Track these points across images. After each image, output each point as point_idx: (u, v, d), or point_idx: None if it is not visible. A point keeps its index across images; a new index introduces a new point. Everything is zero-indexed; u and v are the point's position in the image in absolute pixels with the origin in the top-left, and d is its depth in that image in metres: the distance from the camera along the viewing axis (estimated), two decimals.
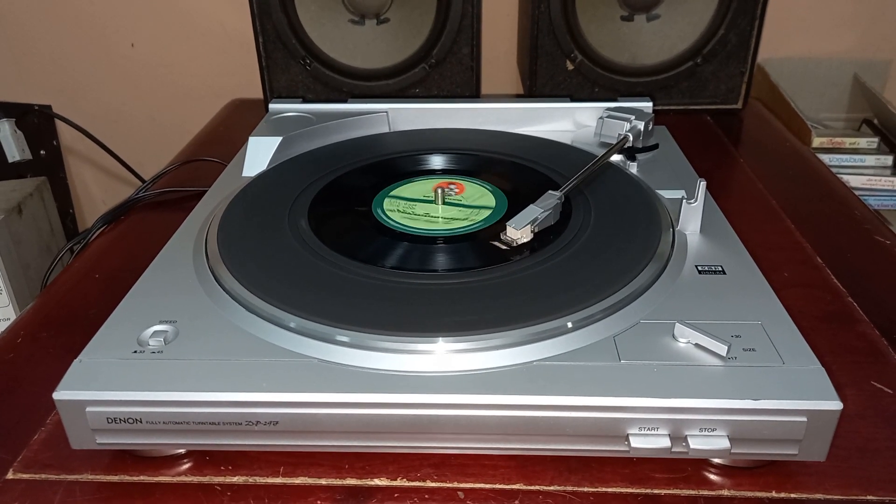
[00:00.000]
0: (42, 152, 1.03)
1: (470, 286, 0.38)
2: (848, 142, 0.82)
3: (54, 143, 1.04)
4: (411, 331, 0.34)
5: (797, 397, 0.31)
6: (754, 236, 0.54)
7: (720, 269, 0.40)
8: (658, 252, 0.40)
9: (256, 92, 0.79)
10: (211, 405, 0.32)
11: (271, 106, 0.61)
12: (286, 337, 0.35)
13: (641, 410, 0.31)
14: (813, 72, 0.97)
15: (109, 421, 0.32)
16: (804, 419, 0.30)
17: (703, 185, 0.43)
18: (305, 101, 0.62)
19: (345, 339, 0.34)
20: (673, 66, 0.77)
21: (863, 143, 0.83)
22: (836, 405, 0.30)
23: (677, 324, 0.34)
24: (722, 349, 0.33)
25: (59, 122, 1.02)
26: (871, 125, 0.88)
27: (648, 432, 0.31)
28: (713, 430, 0.31)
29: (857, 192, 0.63)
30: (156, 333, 0.35)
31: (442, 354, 0.33)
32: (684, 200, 0.43)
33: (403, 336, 0.34)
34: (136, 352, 0.34)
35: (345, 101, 0.61)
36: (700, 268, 0.40)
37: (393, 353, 0.33)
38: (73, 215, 1.08)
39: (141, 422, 0.32)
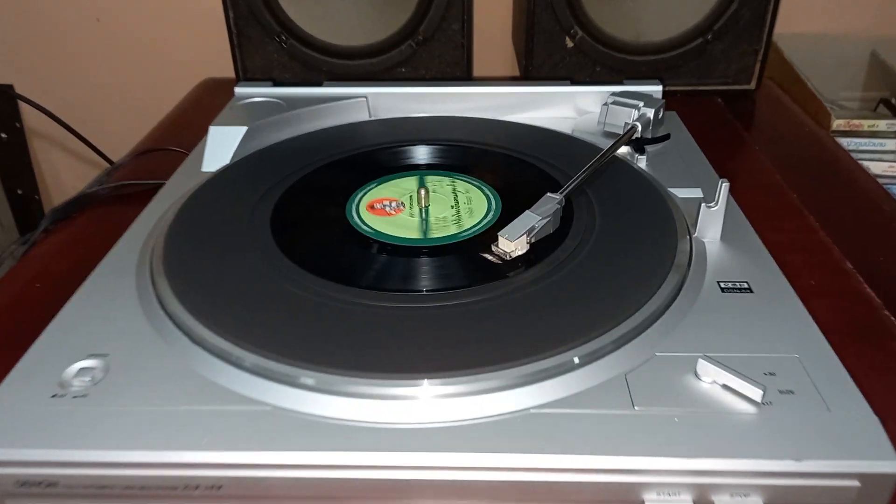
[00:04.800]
0: (3, 135, 0.96)
1: (456, 311, 0.32)
2: (866, 124, 0.77)
3: (17, 125, 0.97)
4: (389, 371, 0.29)
5: (847, 456, 0.25)
6: (772, 236, 0.48)
7: (746, 286, 0.35)
8: (675, 265, 0.35)
9: (232, 71, 0.73)
10: (142, 467, 0.26)
11: (236, 90, 0.55)
12: (238, 378, 0.29)
13: (660, 473, 0.26)
14: (827, 49, 0.91)
15: (20, 484, 0.27)
16: (856, 483, 0.25)
17: (725, 186, 0.37)
18: (276, 84, 0.56)
19: (307, 381, 0.28)
20: (681, 44, 0.70)
21: (882, 125, 0.77)
22: (895, 467, 0.25)
23: (700, 360, 0.29)
24: (756, 394, 0.27)
25: (21, 104, 0.95)
26: (889, 105, 0.82)
27: (669, 497, 0.26)
28: (746, 496, 0.26)
29: (878, 181, 0.58)
30: (82, 371, 0.30)
31: (426, 400, 0.28)
32: (703, 204, 0.38)
33: (380, 378, 0.28)
34: (55, 396, 0.29)
35: (320, 85, 0.55)
36: (723, 285, 0.35)
37: (367, 398, 0.28)
38: (40, 202, 1.02)
39: (58, 485, 0.27)
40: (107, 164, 0.79)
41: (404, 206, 0.41)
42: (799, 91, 0.78)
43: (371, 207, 0.41)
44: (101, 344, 0.31)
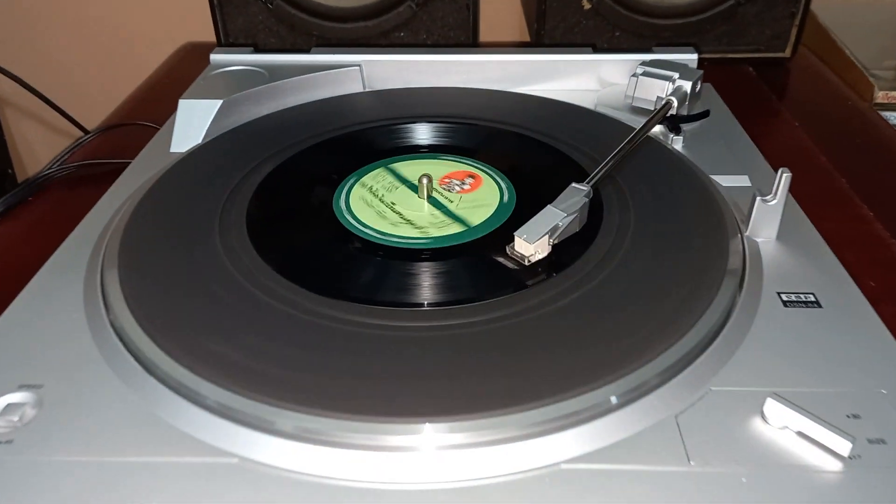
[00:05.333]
0: None
1: (465, 333, 0.27)
2: None
3: None
4: (384, 413, 0.23)
5: None
6: (823, 228, 0.42)
7: (812, 298, 0.29)
8: (727, 272, 0.29)
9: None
10: None
11: (213, 57, 0.48)
12: (199, 419, 0.24)
13: None
14: (861, 14, 0.84)
15: None
16: None
17: (786, 178, 0.31)
18: (258, 50, 0.49)
19: (284, 426, 0.23)
20: (710, 6, 0.63)
21: None
22: None
23: (769, 399, 0.23)
24: (843, 447, 0.22)
25: None
26: None
27: None
28: None
29: None
30: (9, 409, 0.24)
31: (428, 452, 0.22)
32: (758, 198, 0.32)
33: (372, 422, 0.23)
34: None
35: (307, 52, 0.48)
36: (785, 297, 0.29)
37: (355, 449, 0.23)
38: (14, 176, 0.96)
39: None
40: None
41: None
42: (836, 60, 0.71)
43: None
44: (36, 371, 0.26)
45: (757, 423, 0.24)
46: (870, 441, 0.23)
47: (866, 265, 0.40)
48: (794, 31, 0.65)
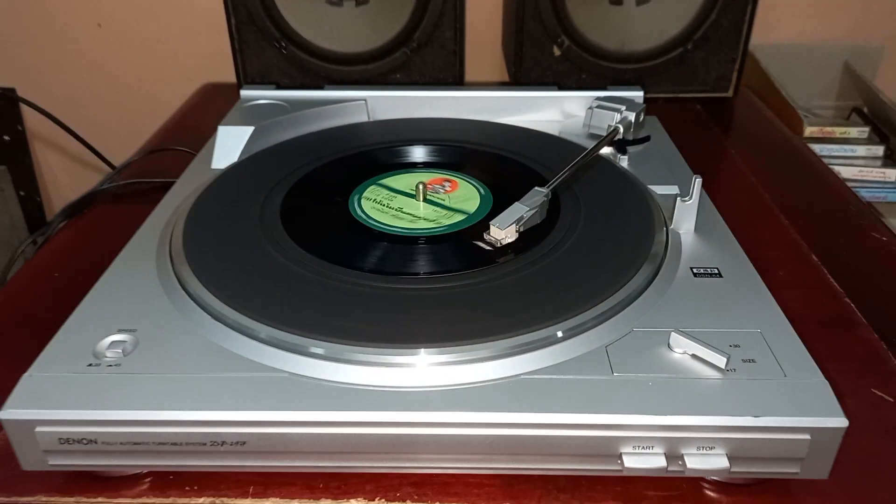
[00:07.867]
0: (6, 138, 0.98)
1: (452, 291, 0.35)
2: (838, 131, 0.81)
3: (19, 128, 0.99)
4: (390, 341, 0.32)
5: (800, 413, 0.29)
6: (747, 232, 0.52)
7: (716, 271, 0.38)
8: (651, 253, 0.38)
9: (229, 75, 0.76)
10: (172, 424, 0.29)
11: (243, 93, 0.58)
12: (255, 348, 0.32)
13: (636, 428, 0.29)
14: (803, 58, 0.95)
15: (62, 441, 0.29)
16: (807, 437, 0.29)
17: (698, 181, 0.41)
18: (279, 87, 0.59)
19: (319, 350, 0.32)
20: (662, 53, 0.74)
21: (853, 132, 0.81)
22: (842, 422, 0.28)
23: (673, 333, 0.32)
24: (721, 361, 0.31)
25: (23, 106, 0.98)
26: (862, 114, 0.87)
27: (643, 451, 0.29)
28: (711, 449, 0.29)
29: (848, 184, 0.62)
30: (113, 344, 0.33)
31: (423, 368, 0.31)
32: (678, 198, 0.41)
33: (382, 348, 0.31)
34: (91, 365, 0.31)
35: (321, 88, 0.58)
36: (695, 270, 0.38)
37: (371, 366, 0.31)
38: (41, 204, 1.04)
39: (97, 442, 0.29)
40: (104, 166, 0.82)
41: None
42: (774, 99, 0.82)
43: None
44: (129, 321, 0.34)
45: (664, 350, 0.32)
46: (744, 360, 0.32)
47: (779, 260, 0.49)
48: (735, 74, 0.76)
